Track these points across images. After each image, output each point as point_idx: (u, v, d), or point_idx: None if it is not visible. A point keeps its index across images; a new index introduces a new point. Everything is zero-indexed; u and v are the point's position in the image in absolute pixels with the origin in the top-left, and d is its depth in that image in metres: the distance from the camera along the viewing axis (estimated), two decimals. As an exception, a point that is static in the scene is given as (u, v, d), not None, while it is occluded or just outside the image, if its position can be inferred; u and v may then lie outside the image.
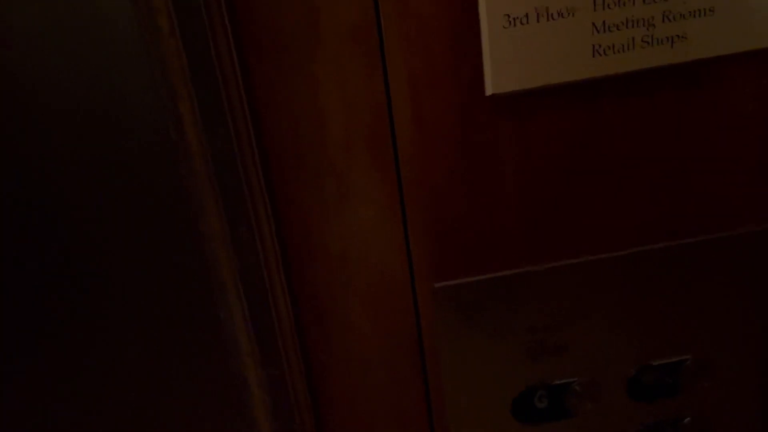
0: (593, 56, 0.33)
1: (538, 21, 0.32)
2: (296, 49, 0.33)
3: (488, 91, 0.34)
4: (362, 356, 0.39)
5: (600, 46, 0.33)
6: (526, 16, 0.32)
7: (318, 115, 0.34)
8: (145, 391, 0.39)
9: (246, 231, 0.33)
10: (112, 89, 0.34)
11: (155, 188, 0.35)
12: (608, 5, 0.33)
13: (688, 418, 0.43)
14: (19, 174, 0.37)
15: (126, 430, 0.40)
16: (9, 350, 0.38)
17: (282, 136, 0.34)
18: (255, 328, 0.35)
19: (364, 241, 0.37)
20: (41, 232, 0.37)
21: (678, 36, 0.34)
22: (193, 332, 0.38)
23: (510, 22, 0.32)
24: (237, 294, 0.34)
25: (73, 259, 0.37)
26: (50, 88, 0.36)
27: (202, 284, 0.36)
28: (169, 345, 0.38)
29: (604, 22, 0.33)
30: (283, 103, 0.34)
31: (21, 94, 0.35)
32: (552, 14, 0.32)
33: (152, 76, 0.31)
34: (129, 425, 0.40)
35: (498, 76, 0.33)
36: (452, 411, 0.41)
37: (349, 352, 0.39)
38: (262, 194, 0.33)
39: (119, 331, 0.38)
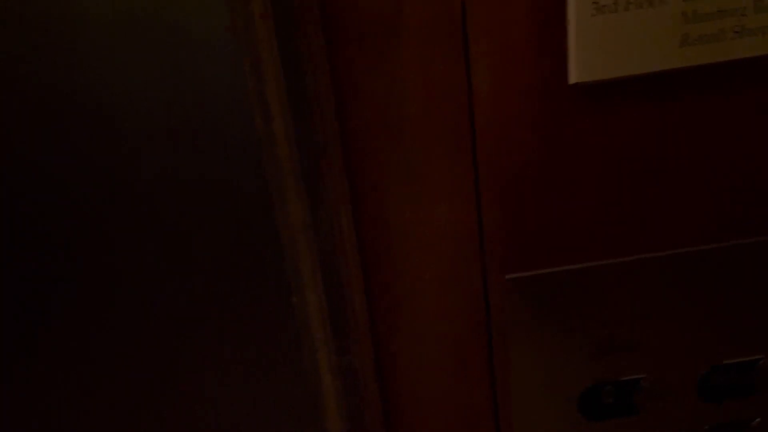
0: (682, 46, 0.33)
1: (626, 9, 0.32)
2: (379, 38, 0.33)
3: (571, 80, 0.33)
4: (430, 346, 0.39)
5: (689, 35, 0.33)
6: (615, 3, 0.32)
7: (398, 104, 0.34)
8: (215, 376, 0.40)
9: (326, 218, 0.33)
10: (196, 76, 0.34)
11: (235, 174, 0.35)
12: (699, -6, 0.32)
13: (759, 419, 0.42)
14: (95, 161, 0.38)
15: (194, 414, 0.41)
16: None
17: (363, 124, 0.34)
18: (330, 315, 0.35)
19: (438, 230, 0.37)
20: (120, 219, 0.37)
21: (769, 26, 0.33)
22: (265, 319, 0.38)
23: (598, 9, 0.32)
24: (313, 281, 0.34)
25: (150, 241, 0.37)
26: (128, 73, 0.36)
27: (277, 271, 0.36)
28: (241, 331, 0.39)
29: (694, 11, 0.32)
30: (365, 91, 0.34)
31: (102, 79, 0.36)
32: (641, 2, 0.32)
33: (239, 63, 0.31)
34: (197, 409, 0.41)
35: (583, 65, 0.33)
36: (518, 403, 0.41)
37: (417, 342, 0.39)
38: (343, 182, 0.33)
39: (191, 314, 0.39)
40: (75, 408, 0.42)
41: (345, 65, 0.33)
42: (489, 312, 0.39)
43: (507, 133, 0.35)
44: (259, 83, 0.30)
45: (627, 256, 0.38)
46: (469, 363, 0.40)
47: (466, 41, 0.33)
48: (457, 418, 0.41)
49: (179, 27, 0.35)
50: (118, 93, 0.36)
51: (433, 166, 0.35)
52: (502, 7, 0.33)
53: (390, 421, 0.40)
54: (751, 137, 0.36)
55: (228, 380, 0.40)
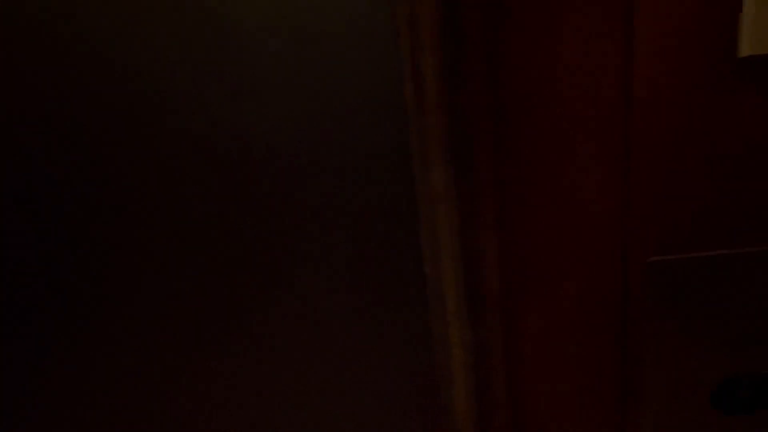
0: None
1: (813, -24, 0.29)
2: (539, 8, 0.32)
3: (742, 53, 0.31)
4: (561, 326, 0.38)
5: None
6: (800, -30, 0.29)
7: (553, 74, 0.33)
8: (342, 345, 0.40)
9: (469, 187, 0.33)
10: (345, 46, 0.34)
11: (377, 143, 0.35)
12: None
13: None
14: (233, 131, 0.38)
15: (322, 382, 0.41)
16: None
17: (515, 95, 0.33)
18: (465, 288, 0.35)
19: (581, 206, 0.35)
20: (263, 184, 0.38)
21: None
22: (397, 288, 0.38)
23: (781, -24, 0.29)
24: (451, 251, 0.34)
25: (288, 209, 0.38)
26: (275, 40, 0.36)
27: (413, 240, 0.36)
28: (370, 301, 0.39)
29: None
30: (521, 59, 0.33)
31: (250, 48, 0.36)
32: (830, -32, 0.29)
33: (393, 34, 0.31)
34: (322, 377, 0.41)
35: (756, 37, 0.31)
36: (650, 390, 0.39)
37: (548, 321, 0.38)
38: (489, 152, 0.32)
39: (324, 282, 0.39)
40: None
41: (502, 35, 0.32)
42: (627, 295, 0.37)
43: (664, 107, 0.33)
44: (414, 50, 0.30)
45: (781, 243, 0.36)
46: (600, 345, 0.39)
47: (630, 10, 0.32)
48: (584, 400, 0.40)
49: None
50: (267, 68, 0.37)
51: (583, 139, 0.34)
52: (669, -26, 0.31)
53: (515, 398, 0.39)
54: None
55: (354, 350, 0.40)
